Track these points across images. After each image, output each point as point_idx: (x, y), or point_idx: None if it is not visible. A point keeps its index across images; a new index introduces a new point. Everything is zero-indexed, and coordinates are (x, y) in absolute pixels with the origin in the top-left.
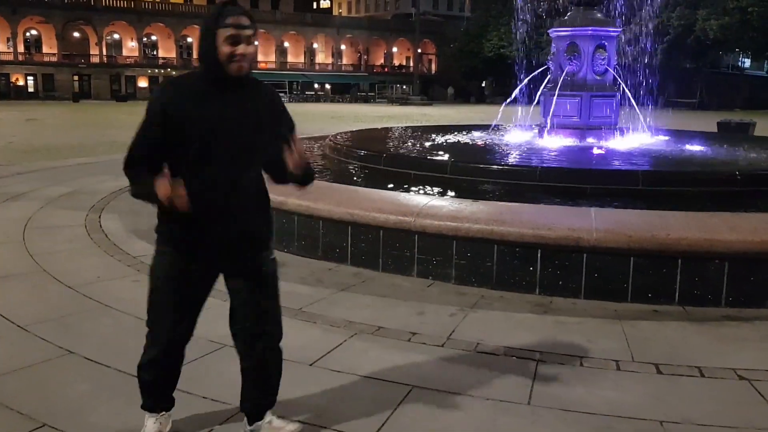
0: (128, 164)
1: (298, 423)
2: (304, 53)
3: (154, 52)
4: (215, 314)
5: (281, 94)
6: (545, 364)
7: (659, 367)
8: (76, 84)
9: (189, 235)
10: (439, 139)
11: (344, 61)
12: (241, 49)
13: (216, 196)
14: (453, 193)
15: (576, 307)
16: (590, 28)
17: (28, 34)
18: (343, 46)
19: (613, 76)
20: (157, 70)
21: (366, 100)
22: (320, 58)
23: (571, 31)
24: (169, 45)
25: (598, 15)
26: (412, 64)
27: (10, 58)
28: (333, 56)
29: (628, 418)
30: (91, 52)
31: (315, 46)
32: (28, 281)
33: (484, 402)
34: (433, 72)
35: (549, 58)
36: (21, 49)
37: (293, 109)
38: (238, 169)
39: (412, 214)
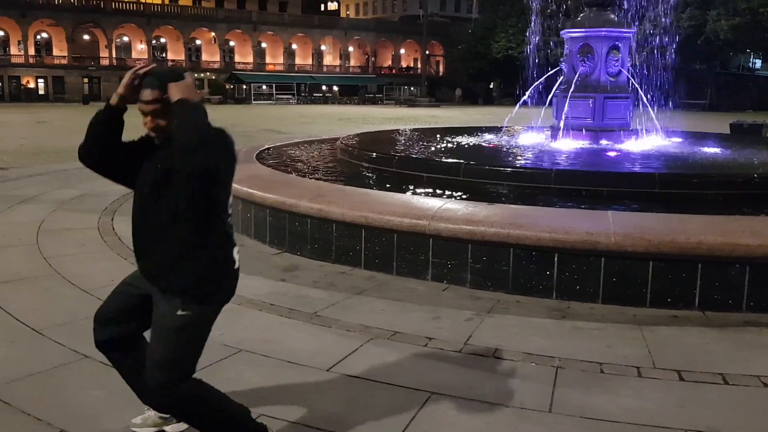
0: None
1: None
2: (312, 55)
3: (163, 55)
4: (228, 319)
5: (288, 96)
6: (565, 370)
7: (681, 374)
8: (86, 86)
9: None
10: (450, 141)
11: (352, 62)
12: (147, 123)
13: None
14: (466, 196)
15: (594, 312)
16: (604, 29)
17: (38, 36)
18: (350, 48)
19: (627, 77)
20: None
21: (374, 102)
22: (328, 59)
23: (585, 32)
24: (178, 47)
25: (612, 16)
26: (419, 65)
27: (21, 60)
28: (341, 58)
29: (651, 427)
30: (101, 55)
31: (323, 47)
32: (41, 284)
33: (505, 409)
34: (440, 74)
35: (562, 59)
36: (31, 51)
37: (300, 111)
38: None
39: (426, 217)
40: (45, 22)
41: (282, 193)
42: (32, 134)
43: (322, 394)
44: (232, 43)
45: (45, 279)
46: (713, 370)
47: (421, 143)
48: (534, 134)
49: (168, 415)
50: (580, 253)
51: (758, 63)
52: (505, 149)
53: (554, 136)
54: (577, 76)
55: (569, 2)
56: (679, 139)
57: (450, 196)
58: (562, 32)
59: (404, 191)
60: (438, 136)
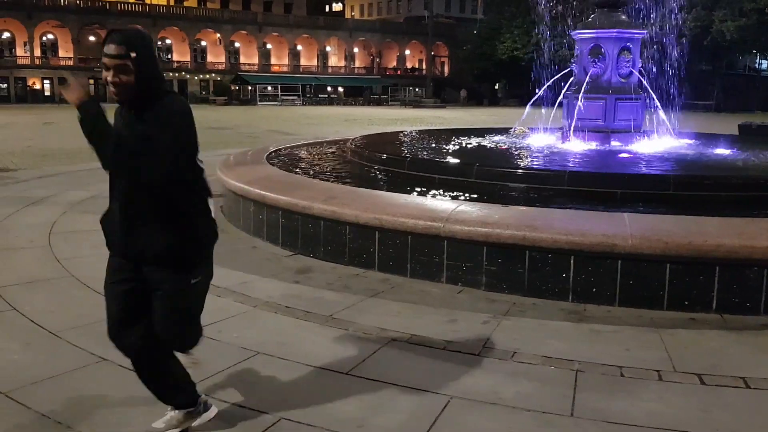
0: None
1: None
2: (317, 56)
3: (169, 56)
4: (244, 321)
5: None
6: (585, 374)
7: (702, 377)
8: (92, 88)
9: None
10: (460, 143)
11: (357, 63)
12: (109, 77)
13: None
14: (479, 198)
15: (611, 314)
16: (615, 30)
17: (44, 38)
18: (355, 49)
19: (638, 78)
20: (171, 74)
21: (379, 103)
22: (333, 60)
23: (596, 33)
24: (183, 49)
25: (623, 17)
26: (424, 66)
27: (27, 61)
28: (346, 59)
29: (675, 431)
30: None
31: (328, 49)
32: (56, 286)
33: (525, 413)
34: (445, 75)
35: (572, 60)
36: (37, 53)
37: (306, 112)
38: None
39: (441, 219)
40: (51, 23)
41: (295, 195)
42: (39, 136)
43: (343, 397)
44: (237, 44)
45: (59, 281)
46: (734, 373)
47: (430, 145)
48: (544, 135)
49: (193, 409)
50: (597, 256)
51: (764, 64)
52: (515, 151)
53: (565, 138)
54: (588, 77)
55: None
56: (690, 140)
57: (463, 198)
58: (572, 33)
59: (417, 193)
60: (447, 137)
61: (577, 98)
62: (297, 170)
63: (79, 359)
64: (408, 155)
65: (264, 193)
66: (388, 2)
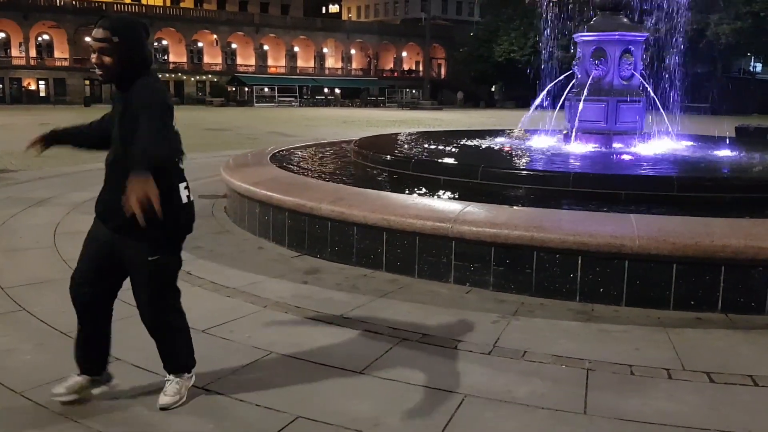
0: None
1: (175, 398)
2: (314, 58)
3: (165, 57)
4: (255, 321)
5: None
6: (595, 372)
7: (711, 375)
8: (88, 88)
9: None
10: (462, 145)
11: (354, 65)
12: (93, 58)
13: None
14: (485, 199)
15: (619, 314)
16: (617, 33)
17: (39, 38)
18: (352, 51)
19: (639, 80)
20: (167, 75)
21: (375, 105)
22: (330, 62)
23: (598, 35)
24: (180, 50)
25: (625, 20)
26: (421, 68)
27: (22, 62)
28: (343, 61)
29: (687, 428)
30: None
31: (325, 50)
32: (65, 287)
33: (539, 411)
34: (442, 77)
35: (574, 62)
36: (33, 53)
37: (304, 113)
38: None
39: (449, 220)
40: (47, 23)
41: (301, 196)
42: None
43: (358, 395)
44: (234, 46)
45: (67, 282)
46: (742, 372)
47: (432, 147)
48: (545, 137)
49: (99, 377)
50: (604, 256)
51: (759, 67)
52: (518, 152)
53: (567, 140)
54: (590, 79)
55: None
56: (691, 143)
57: (469, 199)
58: (574, 36)
59: (423, 194)
60: (448, 139)
61: (579, 100)
62: (301, 171)
63: None
64: (412, 157)
65: (270, 194)
66: (385, 4)
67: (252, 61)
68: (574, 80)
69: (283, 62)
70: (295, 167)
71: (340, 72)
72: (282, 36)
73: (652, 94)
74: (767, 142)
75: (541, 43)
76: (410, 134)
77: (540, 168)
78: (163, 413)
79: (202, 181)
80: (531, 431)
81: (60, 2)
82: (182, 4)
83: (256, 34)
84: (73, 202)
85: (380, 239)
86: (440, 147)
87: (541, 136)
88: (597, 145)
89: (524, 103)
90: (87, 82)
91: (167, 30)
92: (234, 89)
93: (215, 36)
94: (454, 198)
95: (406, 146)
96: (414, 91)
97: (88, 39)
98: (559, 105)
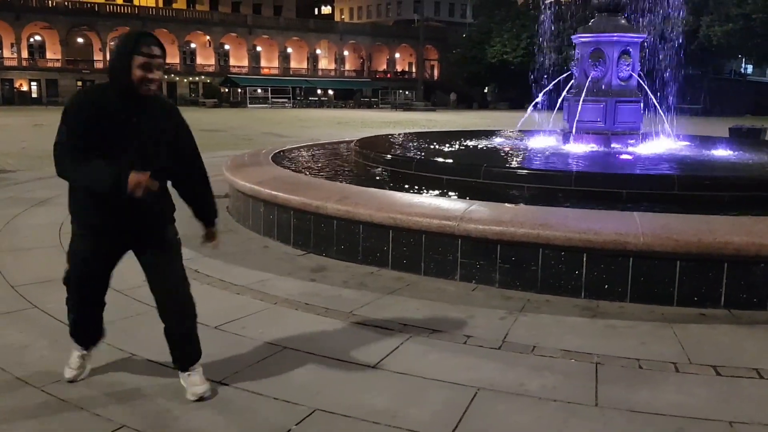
0: (69, 162)
1: (207, 385)
2: (307, 59)
3: None
4: (266, 318)
5: (283, 100)
6: (604, 366)
7: (717, 369)
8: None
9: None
10: (460, 145)
11: (347, 66)
12: (153, 75)
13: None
14: (488, 198)
15: (624, 310)
16: (615, 35)
17: (32, 39)
18: (345, 52)
19: (637, 81)
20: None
21: (369, 106)
22: (323, 63)
23: (596, 37)
24: (173, 51)
25: (623, 21)
26: (414, 69)
27: (14, 63)
28: (336, 62)
29: (697, 419)
30: (95, 58)
31: (318, 51)
32: None
33: (552, 404)
34: (435, 78)
35: (572, 63)
36: (25, 54)
37: (297, 114)
38: (140, 167)
39: (455, 218)
40: (39, 24)
41: (307, 195)
42: (32, 137)
43: (373, 389)
44: (227, 47)
45: None
46: (748, 365)
47: (431, 147)
48: (544, 137)
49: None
50: (609, 253)
51: (749, 68)
52: (518, 152)
53: (565, 140)
54: (588, 80)
55: (573, 8)
56: (687, 143)
57: (472, 198)
58: (573, 37)
59: (427, 193)
60: (445, 140)
61: (578, 101)
62: (303, 171)
63: (107, 355)
64: (415, 156)
65: (275, 193)
66: (378, 5)
67: (245, 62)
68: (572, 81)
69: (276, 63)
70: (297, 167)
71: (333, 73)
72: (275, 37)
73: (650, 94)
74: (762, 143)
75: (540, 44)
76: (408, 135)
77: (542, 167)
78: (184, 406)
79: None
80: (544, 423)
81: (52, 3)
82: (175, 5)
83: (249, 35)
84: None
85: (386, 237)
86: (440, 147)
87: (539, 136)
88: (595, 145)
89: (517, 105)
90: (79, 83)
91: (160, 31)
92: (227, 90)
93: (208, 37)
94: (458, 197)
95: (406, 146)
96: (407, 93)
97: (142, 57)
98: (557, 105)
